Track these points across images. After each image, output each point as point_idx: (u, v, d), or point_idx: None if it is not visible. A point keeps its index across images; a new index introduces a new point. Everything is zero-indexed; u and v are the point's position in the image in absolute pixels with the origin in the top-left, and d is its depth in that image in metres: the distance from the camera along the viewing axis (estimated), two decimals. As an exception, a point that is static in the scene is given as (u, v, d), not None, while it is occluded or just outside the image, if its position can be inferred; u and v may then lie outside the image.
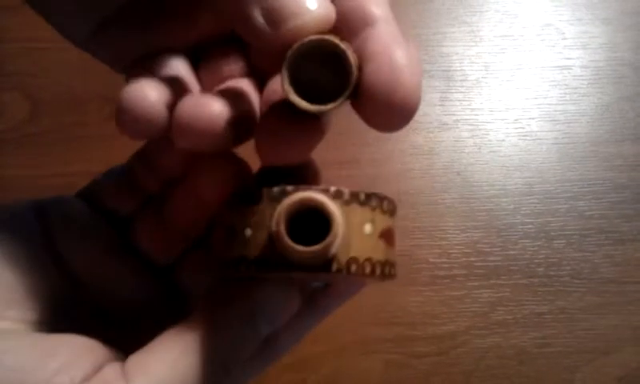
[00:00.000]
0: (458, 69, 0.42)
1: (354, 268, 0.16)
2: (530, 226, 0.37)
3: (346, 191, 0.16)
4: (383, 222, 0.17)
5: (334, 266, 0.16)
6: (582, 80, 0.41)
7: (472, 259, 0.37)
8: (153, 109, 0.17)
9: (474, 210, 0.38)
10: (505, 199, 0.38)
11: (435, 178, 0.39)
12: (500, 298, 0.36)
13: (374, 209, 0.16)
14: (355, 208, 0.16)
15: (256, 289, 0.16)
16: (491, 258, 0.37)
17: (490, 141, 0.40)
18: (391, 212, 0.17)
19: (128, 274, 0.19)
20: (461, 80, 0.41)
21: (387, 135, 0.40)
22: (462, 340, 0.35)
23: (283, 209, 0.15)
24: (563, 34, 0.43)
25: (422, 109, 0.41)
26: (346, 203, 0.16)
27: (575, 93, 0.41)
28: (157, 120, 0.17)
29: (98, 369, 0.15)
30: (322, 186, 0.16)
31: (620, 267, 0.37)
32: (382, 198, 0.17)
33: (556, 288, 0.36)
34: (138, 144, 0.40)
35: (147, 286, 0.19)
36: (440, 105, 0.41)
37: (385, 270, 0.17)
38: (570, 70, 0.42)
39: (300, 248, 0.15)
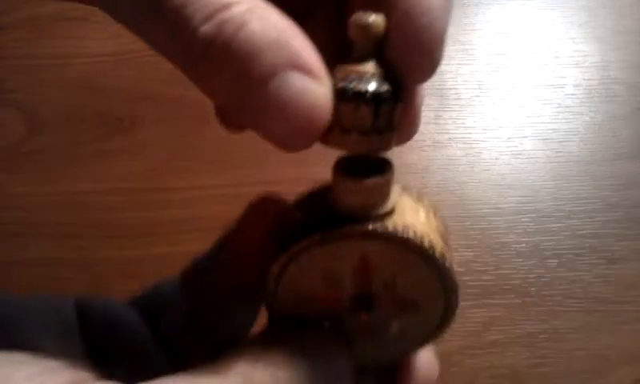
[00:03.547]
0: (452, 87, 0.42)
1: (411, 233, 0.15)
2: (523, 245, 0.38)
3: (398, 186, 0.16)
4: (436, 222, 0.17)
5: (390, 224, 0.15)
6: (575, 99, 0.42)
7: (465, 278, 0.37)
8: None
9: (468, 229, 0.38)
10: (498, 218, 0.38)
11: (429, 196, 0.39)
12: (493, 318, 0.36)
13: (427, 209, 0.17)
14: (408, 197, 0.17)
15: None
16: (484, 278, 0.37)
17: (483, 159, 0.40)
18: (445, 228, 0.17)
19: None
20: (454, 98, 0.42)
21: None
22: (455, 360, 0.35)
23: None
24: (556, 52, 0.43)
25: (416, 127, 0.41)
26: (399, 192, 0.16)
27: (568, 111, 0.41)
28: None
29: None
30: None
31: (612, 287, 0.37)
32: (434, 207, 0.17)
33: (549, 308, 0.36)
34: (134, 162, 0.41)
35: None
36: (434, 123, 0.41)
37: (445, 257, 0.16)
38: (563, 89, 0.42)
39: (359, 181, 0.15)
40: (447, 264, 0.16)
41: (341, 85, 0.15)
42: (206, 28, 0.13)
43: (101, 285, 0.37)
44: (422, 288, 0.17)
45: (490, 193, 0.39)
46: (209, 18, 0.13)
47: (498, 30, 0.43)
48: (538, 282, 0.37)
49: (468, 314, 0.36)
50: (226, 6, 0.13)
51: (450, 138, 0.41)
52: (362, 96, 0.15)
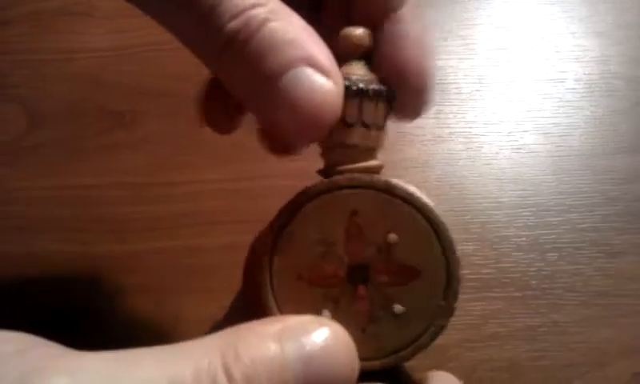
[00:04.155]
0: (452, 82, 0.42)
1: (394, 181, 0.17)
2: (523, 239, 0.38)
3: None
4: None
5: (375, 176, 0.17)
6: (576, 93, 0.42)
7: (465, 272, 0.37)
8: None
9: (468, 223, 0.38)
10: (498, 212, 0.38)
11: (429, 190, 0.39)
12: (493, 311, 0.36)
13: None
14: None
15: None
16: (484, 271, 0.37)
17: (484, 153, 0.40)
18: None
19: None
20: (455, 93, 0.42)
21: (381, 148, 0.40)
22: (455, 353, 0.35)
23: None
24: (557, 47, 0.43)
25: (416, 121, 0.41)
26: None
27: (568, 106, 0.41)
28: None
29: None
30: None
31: (612, 280, 0.37)
32: None
33: (549, 301, 0.36)
34: (135, 156, 0.41)
35: None
36: (434, 117, 0.41)
37: (434, 208, 0.17)
38: (564, 83, 0.42)
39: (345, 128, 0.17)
40: (438, 213, 0.17)
41: (345, 83, 0.17)
42: (232, 24, 0.15)
43: (103, 279, 0.37)
44: (417, 247, 0.17)
45: (491, 187, 0.39)
46: (236, 15, 0.15)
47: (499, 25, 0.43)
48: (537, 276, 0.37)
49: (467, 307, 0.36)
50: (252, 6, 0.15)
51: (450, 133, 0.41)
52: (366, 93, 0.17)
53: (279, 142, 0.17)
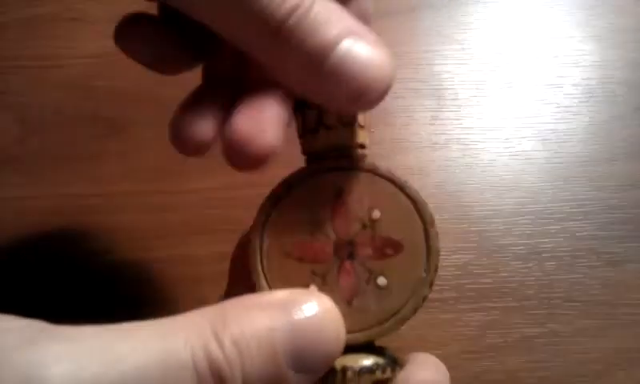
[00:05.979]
0: (449, 87, 0.41)
1: (376, 163, 0.19)
2: (521, 248, 0.37)
3: None
4: None
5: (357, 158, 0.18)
6: (574, 98, 0.41)
7: (463, 281, 0.36)
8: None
9: (466, 231, 0.38)
10: (496, 220, 0.38)
11: (426, 198, 0.38)
12: (491, 321, 0.36)
13: None
14: None
15: None
16: (482, 280, 0.36)
17: (481, 160, 0.40)
18: None
19: None
20: (452, 99, 0.41)
21: (378, 155, 0.40)
22: (454, 364, 0.34)
23: None
24: (555, 51, 0.42)
25: (413, 128, 0.41)
26: None
27: (567, 111, 0.41)
28: None
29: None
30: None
31: (611, 289, 0.36)
32: None
33: (547, 311, 0.36)
34: (126, 164, 0.40)
35: None
36: (431, 124, 0.41)
37: (413, 187, 0.19)
38: (562, 89, 0.41)
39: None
40: (417, 190, 0.18)
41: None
42: (286, 5, 0.16)
43: (98, 289, 0.37)
44: (399, 222, 0.18)
45: (488, 194, 0.39)
46: (283, 2, 0.16)
47: (496, 29, 0.43)
48: (536, 285, 0.36)
49: (465, 317, 0.36)
50: None
51: (447, 139, 0.40)
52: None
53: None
